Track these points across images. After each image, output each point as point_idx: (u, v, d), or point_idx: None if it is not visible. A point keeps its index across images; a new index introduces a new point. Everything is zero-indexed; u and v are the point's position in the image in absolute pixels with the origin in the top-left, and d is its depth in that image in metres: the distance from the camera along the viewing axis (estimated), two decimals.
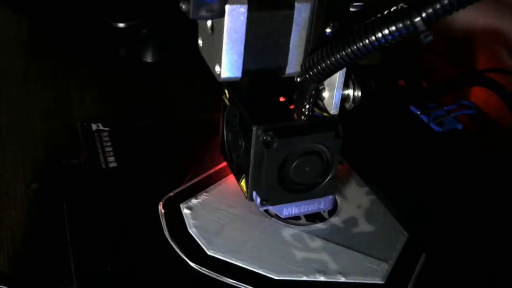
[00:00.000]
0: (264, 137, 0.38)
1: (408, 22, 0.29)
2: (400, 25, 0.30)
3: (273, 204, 0.41)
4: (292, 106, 0.40)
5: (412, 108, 0.56)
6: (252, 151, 0.39)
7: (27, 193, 0.50)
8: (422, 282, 0.39)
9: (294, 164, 0.39)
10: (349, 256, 0.40)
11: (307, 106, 0.38)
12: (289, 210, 0.42)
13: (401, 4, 0.30)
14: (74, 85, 0.65)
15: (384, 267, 0.39)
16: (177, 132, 0.53)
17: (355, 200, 0.46)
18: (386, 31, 0.30)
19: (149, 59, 0.71)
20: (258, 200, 0.41)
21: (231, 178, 0.46)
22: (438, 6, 0.28)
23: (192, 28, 0.40)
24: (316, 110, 0.40)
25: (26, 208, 0.48)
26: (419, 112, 0.55)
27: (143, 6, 0.76)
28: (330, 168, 0.41)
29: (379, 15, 0.31)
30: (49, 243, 0.44)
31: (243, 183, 0.42)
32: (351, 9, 0.36)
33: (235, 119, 0.42)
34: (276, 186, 0.40)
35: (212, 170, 0.47)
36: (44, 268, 0.42)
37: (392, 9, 0.30)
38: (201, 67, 0.39)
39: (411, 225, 0.43)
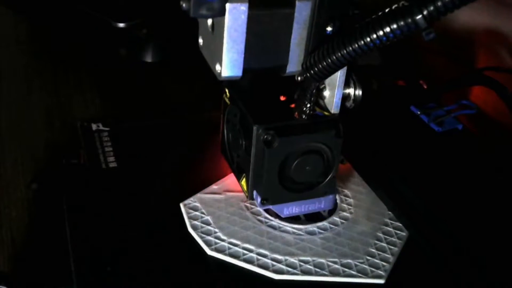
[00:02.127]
0: (265, 136, 0.38)
1: (410, 20, 0.29)
2: (402, 22, 0.30)
3: (273, 203, 0.41)
4: (293, 105, 0.40)
5: (412, 108, 0.56)
6: (253, 150, 0.39)
7: (27, 193, 0.50)
8: (422, 282, 0.39)
9: (294, 163, 0.39)
10: (349, 256, 0.40)
11: (308, 105, 0.38)
12: (289, 209, 0.42)
13: (402, 2, 0.30)
14: (74, 85, 0.65)
15: (384, 267, 0.39)
16: (177, 132, 0.53)
17: (355, 199, 0.46)
18: (387, 29, 0.30)
19: (149, 59, 0.71)
20: (259, 199, 0.41)
21: (231, 177, 0.46)
22: (439, 3, 0.28)
23: (192, 28, 0.40)
24: (317, 109, 0.40)
25: (26, 208, 0.48)
26: (419, 112, 0.55)
27: (143, 6, 0.76)
28: (331, 167, 0.41)
29: (380, 13, 0.31)
30: (49, 243, 0.44)
31: (243, 182, 0.42)
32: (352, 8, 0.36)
33: (235, 118, 0.42)
34: (276, 185, 0.40)
35: (212, 170, 0.47)
36: (44, 268, 0.42)
37: (393, 7, 0.30)
38: (201, 67, 0.39)
39: (411, 224, 0.43)
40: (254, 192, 0.41)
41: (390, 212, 0.45)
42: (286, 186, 0.40)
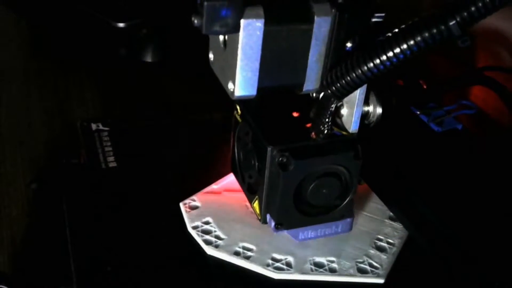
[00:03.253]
0: (280, 159, 0.36)
1: (443, 27, 0.28)
2: (435, 30, 0.28)
3: (288, 228, 0.39)
4: (308, 124, 0.38)
5: (412, 108, 0.56)
6: (267, 172, 0.37)
7: (27, 193, 0.50)
8: (422, 282, 0.39)
9: (311, 186, 0.37)
10: (349, 255, 0.40)
11: (327, 125, 0.36)
12: (305, 234, 0.40)
13: (433, 11, 0.29)
14: (74, 85, 0.65)
15: (384, 267, 0.39)
16: (177, 132, 0.53)
17: (355, 198, 0.46)
18: (419, 38, 0.29)
19: (149, 59, 0.71)
20: (273, 223, 0.38)
21: (230, 177, 0.46)
22: (473, 8, 0.27)
23: (192, 28, 0.40)
24: (334, 128, 0.37)
25: (26, 208, 0.48)
26: (419, 112, 0.55)
27: (143, 6, 0.76)
28: (349, 190, 0.39)
29: (407, 24, 0.30)
30: (49, 243, 0.44)
31: (256, 204, 0.40)
32: (373, 20, 0.34)
33: (247, 137, 0.40)
34: (291, 209, 0.38)
35: (212, 170, 0.47)
36: (44, 268, 0.42)
37: (422, 16, 0.29)
38: (200, 67, 0.39)
39: (411, 224, 0.43)
40: (268, 216, 0.39)
41: (389, 211, 0.45)
42: (301, 210, 0.38)
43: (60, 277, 0.40)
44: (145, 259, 0.39)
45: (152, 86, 0.67)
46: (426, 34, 0.29)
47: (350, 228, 0.42)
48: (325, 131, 0.36)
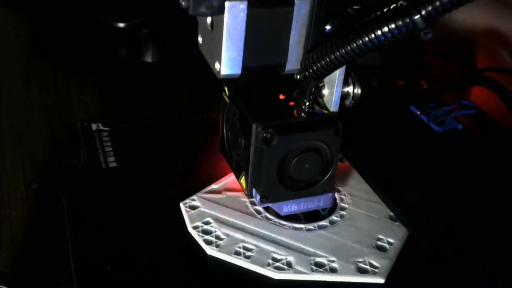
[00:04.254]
0: (264, 134, 0.38)
1: (408, 20, 0.29)
2: (400, 22, 0.30)
3: (273, 201, 0.41)
4: (292, 103, 0.40)
5: (412, 108, 0.56)
6: (252, 148, 0.39)
7: (27, 193, 0.50)
8: (422, 282, 0.39)
9: (293, 161, 0.39)
10: (349, 255, 0.40)
11: (307, 103, 0.39)
12: (288, 207, 0.42)
13: (401, 2, 0.30)
14: (74, 85, 0.65)
15: (384, 267, 0.39)
16: (177, 131, 0.53)
17: (355, 198, 0.46)
18: (385, 29, 0.30)
19: (149, 59, 0.71)
20: (258, 197, 0.41)
21: (230, 177, 0.46)
22: (437, 3, 0.28)
23: (191, 28, 0.40)
24: (316, 107, 0.40)
25: (26, 208, 0.48)
26: (419, 112, 0.55)
27: (143, 6, 0.76)
28: (330, 165, 0.41)
29: (378, 13, 0.31)
30: (49, 243, 0.44)
31: (242, 180, 0.42)
32: (350, 12, 0.36)
33: (235, 117, 0.42)
34: (275, 183, 0.40)
35: (212, 169, 0.47)
36: (44, 268, 0.42)
37: (391, 7, 0.30)
38: (200, 67, 0.39)
39: (411, 223, 0.43)
40: (253, 190, 0.41)
41: (390, 211, 0.45)
42: (285, 184, 0.40)
43: (60, 277, 0.40)
44: (145, 259, 0.39)
45: (152, 86, 0.67)
46: (393, 25, 0.30)
47: (333, 203, 0.44)
48: (306, 109, 0.39)
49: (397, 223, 0.44)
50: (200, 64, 0.39)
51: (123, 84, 0.67)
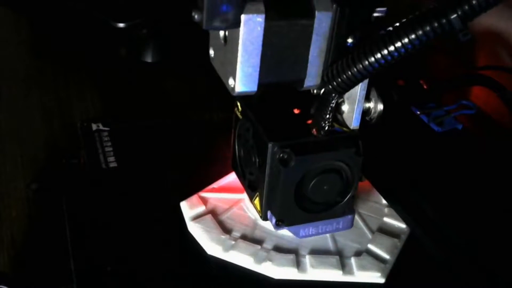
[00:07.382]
0: (281, 155, 0.36)
1: (444, 21, 0.28)
2: (435, 24, 0.28)
3: (289, 225, 0.39)
4: (309, 121, 0.38)
5: (412, 108, 0.56)
6: (267, 168, 0.37)
7: (27, 193, 0.50)
8: (422, 282, 0.39)
9: (312, 182, 0.37)
10: (349, 255, 0.40)
11: (328, 121, 0.36)
12: (306, 230, 0.40)
13: (433, 4, 0.29)
14: (74, 85, 0.65)
15: (384, 267, 0.39)
16: (177, 132, 0.53)
17: (355, 198, 0.46)
18: (420, 32, 0.29)
19: (149, 59, 0.71)
20: (274, 220, 0.38)
21: (230, 177, 0.45)
22: (474, 2, 0.27)
23: (191, 28, 0.40)
24: (335, 124, 0.37)
25: (26, 208, 0.48)
26: (419, 112, 0.55)
27: (143, 6, 0.76)
28: (350, 186, 0.39)
29: (407, 18, 0.29)
30: (49, 243, 0.44)
31: (256, 201, 0.40)
32: (374, 14, 0.34)
33: (248, 133, 0.40)
34: (292, 205, 0.38)
35: (212, 170, 0.47)
36: (44, 268, 0.42)
37: (422, 10, 0.29)
38: (200, 67, 0.39)
39: (411, 222, 0.43)
40: (269, 213, 0.39)
41: (390, 211, 0.45)
42: (302, 207, 0.38)
43: (60, 277, 0.40)
44: (145, 259, 0.39)
45: (152, 86, 0.67)
46: (428, 28, 0.28)
47: (351, 225, 0.42)
48: (326, 127, 0.36)
49: (397, 222, 0.44)
50: (200, 64, 0.39)
51: (123, 84, 0.67)
